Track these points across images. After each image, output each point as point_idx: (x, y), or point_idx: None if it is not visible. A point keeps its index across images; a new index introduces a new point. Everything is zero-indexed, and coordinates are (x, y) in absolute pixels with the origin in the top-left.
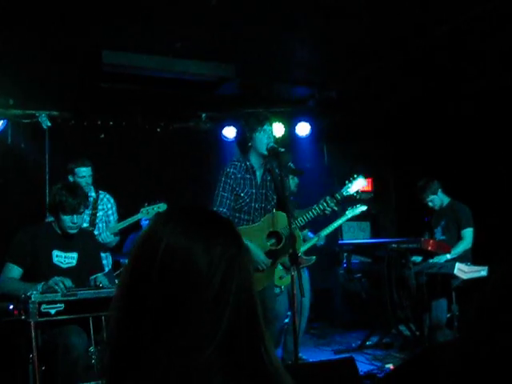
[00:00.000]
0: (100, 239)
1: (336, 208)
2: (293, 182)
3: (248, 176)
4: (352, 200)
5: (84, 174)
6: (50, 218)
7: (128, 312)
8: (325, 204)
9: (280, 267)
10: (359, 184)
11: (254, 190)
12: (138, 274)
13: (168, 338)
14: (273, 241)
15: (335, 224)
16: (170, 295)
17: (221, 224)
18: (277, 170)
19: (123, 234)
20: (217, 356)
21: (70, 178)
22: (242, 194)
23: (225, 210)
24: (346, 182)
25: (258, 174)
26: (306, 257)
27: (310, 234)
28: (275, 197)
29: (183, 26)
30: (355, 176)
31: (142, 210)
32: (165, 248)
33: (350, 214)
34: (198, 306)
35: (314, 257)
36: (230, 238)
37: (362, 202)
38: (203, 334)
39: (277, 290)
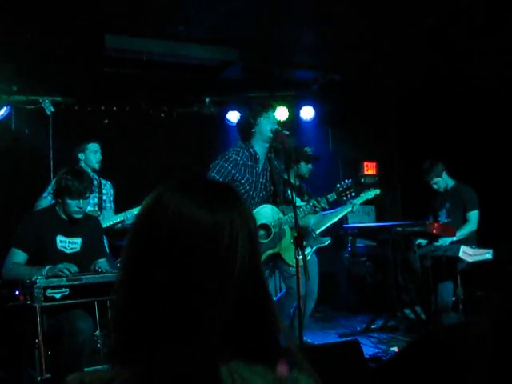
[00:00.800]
0: (125, 217)
1: (327, 207)
2: (306, 167)
3: (250, 163)
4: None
5: (96, 149)
6: (43, 203)
7: (134, 292)
8: (315, 203)
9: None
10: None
11: (254, 179)
12: (143, 248)
13: (177, 319)
14: (262, 233)
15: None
16: (178, 266)
17: (225, 190)
18: (276, 163)
19: None
20: (226, 335)
21: (81, 156)
22: (243, 181)
23: None
24: (344, 188)
25: (261, 162)
26: (321, 238)
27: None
28: (272, 188)
29: (186, 10)
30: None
31: None
32: (171, 215)
33: (364, 196)
34: (207, 277)
35: (329, 238)
36: (233, 202)
37: (369, 186)
38: (213, 311)
39: (292, 271)
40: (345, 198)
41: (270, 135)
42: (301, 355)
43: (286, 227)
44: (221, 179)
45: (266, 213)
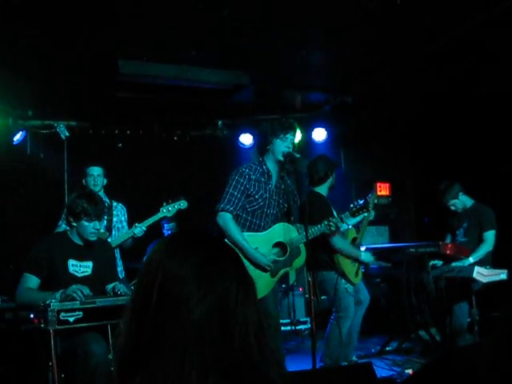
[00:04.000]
0: (132, 233)
1: (340, 227)
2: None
3: (263, 180)
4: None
5: (92, 172)
6: (60, 229)
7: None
8: (330, 222)
9: (355, 263)
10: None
11: (267, 195)
12: (139, 301)
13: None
14: (277, 250)
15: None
16: (162, 328)
17: (223, 256)
18: (288, 181)
19: (144, 240)
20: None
21: (84, 183)
22: (257, 197)
23: (231, 209)
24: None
25: (274, 180)
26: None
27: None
28: (286, 205)
29: (198, 35)
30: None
31: (161, 209)
32: (162, 278)
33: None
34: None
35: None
36: (233, 267)
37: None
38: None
39: (350, 288)
40: (357, 217)
41: (281, 159)
42: None
43: (301, 246)
44: (238, 195)
45: (280, 231)
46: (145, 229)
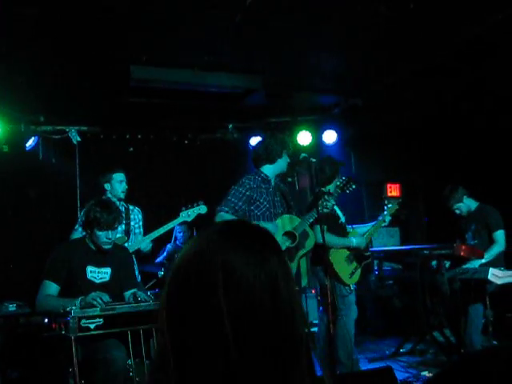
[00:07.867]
0: (140, 248)
1: (335, 203)
2: None
3: (264, 186)
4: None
5: (121, 178)
6: (74, 236)
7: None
8: (324, 200)
9: (352, 264)
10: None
11: (270, 198)
12: (194, 294)
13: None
14: (286, 238)
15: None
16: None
17: (268, 237)
18: (281, 185)
19: (155, 243)
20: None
21: (107, 187)
22: (261, 200)
23: (227, 209)
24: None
25: (272, 183)
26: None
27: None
28: (284, 201)
29: (209, 40)
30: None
31: (181, 213)
32: (222, 264)
33: (387, 212)
34: (265, 331)
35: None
36: (274, 249)
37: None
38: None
39: (345, 291)
40: (348, 192)
41: (285, 171)
42: None
43: (309, 230)
44: (236, 201)
45: (285, 221)
46: (148, 242)
